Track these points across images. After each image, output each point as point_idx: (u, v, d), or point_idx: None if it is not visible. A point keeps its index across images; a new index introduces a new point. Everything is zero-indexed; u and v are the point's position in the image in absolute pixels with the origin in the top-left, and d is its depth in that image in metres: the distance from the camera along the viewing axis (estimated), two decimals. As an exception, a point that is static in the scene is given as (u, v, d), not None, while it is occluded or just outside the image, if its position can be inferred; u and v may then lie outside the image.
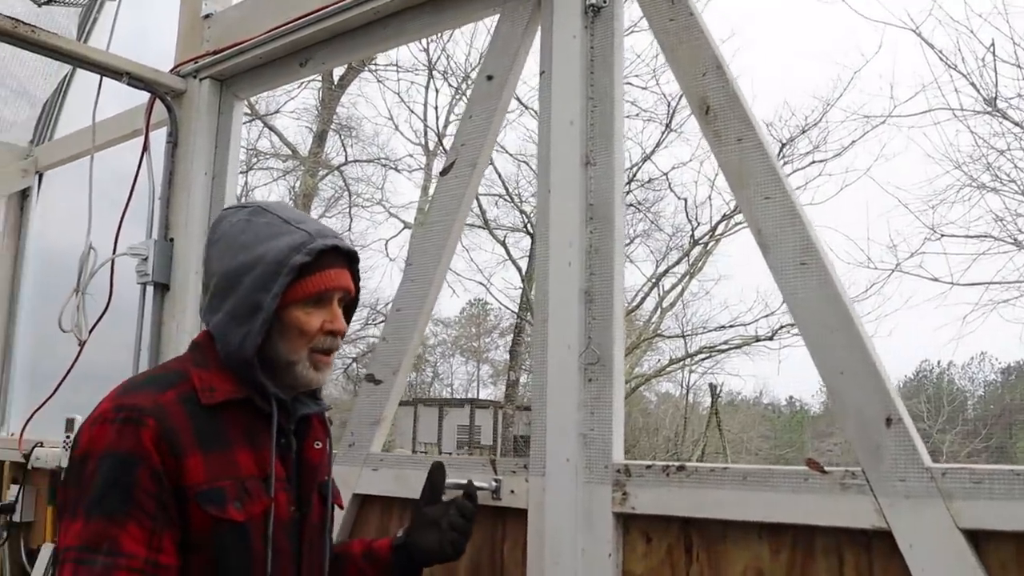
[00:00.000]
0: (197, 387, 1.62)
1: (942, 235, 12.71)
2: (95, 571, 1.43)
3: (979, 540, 1.61)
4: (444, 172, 2.48)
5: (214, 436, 1.59)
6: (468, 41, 20.22)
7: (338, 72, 19.73)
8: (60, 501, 1.55)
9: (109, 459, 1.49)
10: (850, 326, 1.81)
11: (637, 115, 17.91)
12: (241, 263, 1.64)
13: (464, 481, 2.08)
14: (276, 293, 1.62)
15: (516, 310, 20.27)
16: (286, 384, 1.69)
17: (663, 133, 18.51)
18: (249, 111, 18.07)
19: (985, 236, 12.52)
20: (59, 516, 1.53)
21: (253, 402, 1.65)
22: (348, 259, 1.74)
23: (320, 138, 20.78)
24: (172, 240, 3.14)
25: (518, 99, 15.56)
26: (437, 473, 2.05)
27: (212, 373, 1.65)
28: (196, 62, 3.18)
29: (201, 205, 3.06)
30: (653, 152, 18.63)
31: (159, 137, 3.26)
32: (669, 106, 18.09)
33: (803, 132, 17.55)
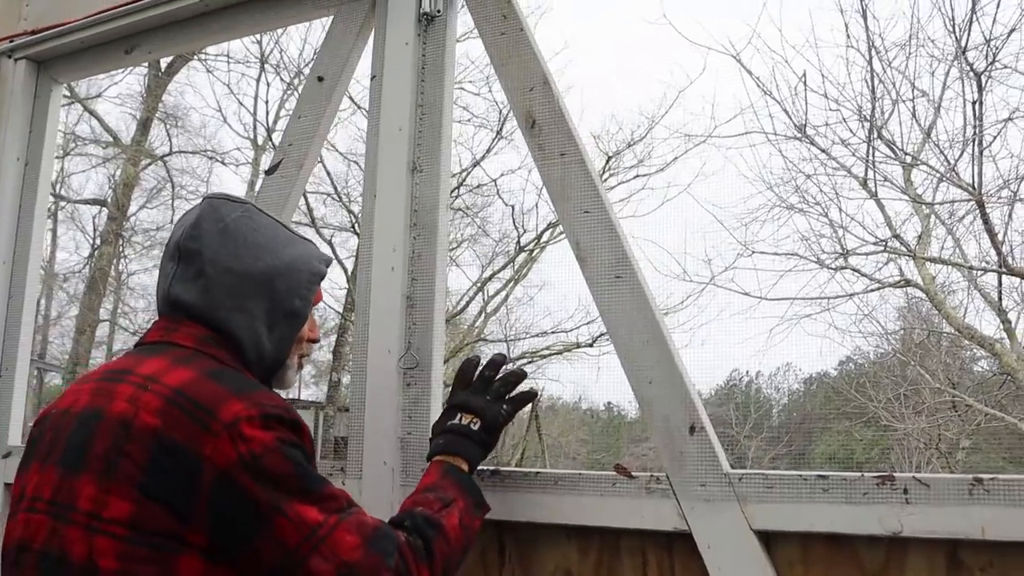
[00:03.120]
0: None
1: (753, 252, 13.31)
2: (359, 516, 1.50)
3: (770, 540, 1.73)
4: (270, 171, 2.45)
5: None
6: (303, 36, 19.79)
7: (166, 59, 19.02)
8: (247, 506, 1.39)
9: (288, 448, 1.44)
10: (660, 339, 1.90)
11: (469, 120, 18.01)
12: (269, 266, 1.61)
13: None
14: (310, 301, 1.69)
15: (340, 310, 19.99)
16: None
17: (493, 140, 18.68)
18: (68, 93, 17.21)
19: (792, 254, 13.18)
20: (262, 521, 1.39)
21: None
22: None
23: (144, 126, 19.92)
24: (-25, 227, 2.96)
25: (351, 98, 15.36)
26: (470, 365, 1.91)
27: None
28: (12, 41, 3.01)
29: (12, 192, 2.90)
30: (483, 158, 18.76)
31: (-36, 117, 3.07)
32: (500, 113, 18.26)
33: (629, 146, 18.05)
